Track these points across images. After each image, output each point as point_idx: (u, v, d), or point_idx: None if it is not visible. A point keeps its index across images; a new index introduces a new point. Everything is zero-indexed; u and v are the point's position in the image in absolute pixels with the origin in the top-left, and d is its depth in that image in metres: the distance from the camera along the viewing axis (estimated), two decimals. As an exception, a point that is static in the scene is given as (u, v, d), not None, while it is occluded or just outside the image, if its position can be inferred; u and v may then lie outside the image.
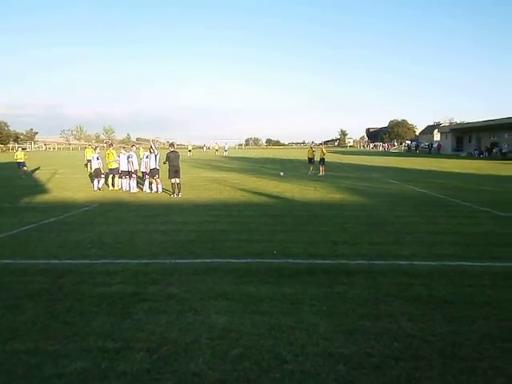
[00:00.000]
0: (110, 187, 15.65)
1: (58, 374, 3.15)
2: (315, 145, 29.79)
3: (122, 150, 15.75)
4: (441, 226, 8.57)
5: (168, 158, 13.78)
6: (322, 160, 22.00)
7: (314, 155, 23.13)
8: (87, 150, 21.49)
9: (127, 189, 14.99)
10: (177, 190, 13.58)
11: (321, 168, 21.88)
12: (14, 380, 3.09)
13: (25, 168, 21.68)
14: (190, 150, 49.38)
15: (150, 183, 14.98)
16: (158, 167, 14.78)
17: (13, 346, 3.60)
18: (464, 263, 5.95)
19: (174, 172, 13.61)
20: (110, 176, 15.78)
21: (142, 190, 15.19)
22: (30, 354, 3.44)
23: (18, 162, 21.94)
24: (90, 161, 17.89)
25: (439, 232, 8.05)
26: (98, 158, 15.68)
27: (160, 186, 14.80)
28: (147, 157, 15.11)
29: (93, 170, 16.05)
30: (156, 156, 14.86)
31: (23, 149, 27.74)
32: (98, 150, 16.72)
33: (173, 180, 13.64)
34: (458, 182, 18.60)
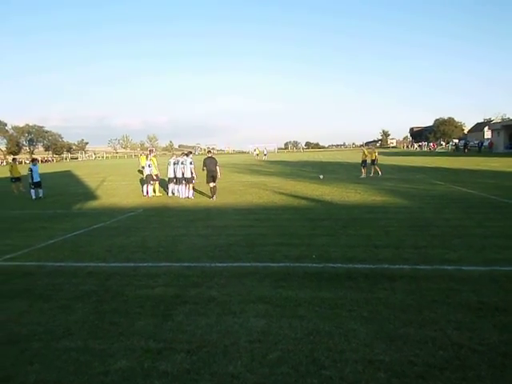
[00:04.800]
0: (151, 193, 16.14)
1: (105, 371, 3.32)
2: (355, 146, 29.13)
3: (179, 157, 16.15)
4: (491, 229, 8.07)
5: (204, 164, 14.44)
6: (364, 162, 21.53)
7: (375, 157, 22.02)
8: (141, 157, 22.45)
9: (184, 195, 15.18)
10: (212, 193, 14.24)
11: (362, 170, 21.43)
12: (65, 376, 3.30)
13: (19, 185, 18.25)
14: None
15: (188, 189, 15.28)
16: (194, 175, 15.20)
17: (65, 344, 3.84)
18: (518, 268, 5.56)
19: (211, 177, 14.33)
20: (151, 182, 16.24)
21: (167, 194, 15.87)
22: (79, 352, 3.66)
23: (12, 178, 18.48)
24: (144, 167, 18.45)
25: (490, 235, 7.58)
26: (149, 166, 16.27)
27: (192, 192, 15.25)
28: (179, 162, 15.45)
29: (144, 176, 16.71)
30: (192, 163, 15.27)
31: (14, 159, 22.28)
32: (150, 157, 17.16)
33: (211, 184, 14.35)
34: (511, 181, 17.44)
